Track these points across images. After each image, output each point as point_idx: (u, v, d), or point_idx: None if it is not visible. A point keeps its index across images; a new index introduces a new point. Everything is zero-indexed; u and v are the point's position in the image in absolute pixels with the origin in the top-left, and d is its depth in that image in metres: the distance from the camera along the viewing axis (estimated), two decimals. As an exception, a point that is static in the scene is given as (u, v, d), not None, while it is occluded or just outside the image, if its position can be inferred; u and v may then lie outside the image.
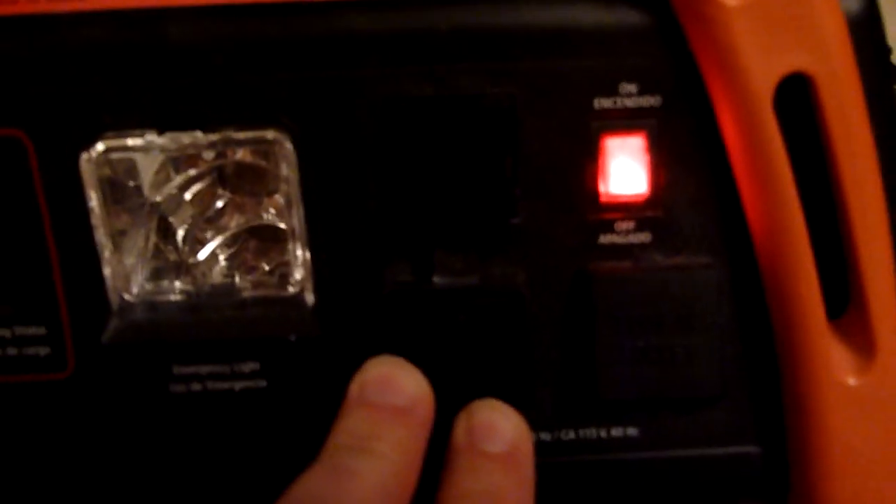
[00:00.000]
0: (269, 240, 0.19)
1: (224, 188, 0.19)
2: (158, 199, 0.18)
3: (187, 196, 0.18)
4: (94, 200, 0.16)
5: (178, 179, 0.18)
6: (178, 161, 0.18)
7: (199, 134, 0.16)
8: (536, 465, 0.16)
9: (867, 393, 0.16)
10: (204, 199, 0.19)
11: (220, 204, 0.19)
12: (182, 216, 0.19)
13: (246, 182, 0.19)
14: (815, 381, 0.16)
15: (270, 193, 0.19)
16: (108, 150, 0.16)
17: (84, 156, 0.16)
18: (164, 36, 0.15)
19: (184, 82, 0.16)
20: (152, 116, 0.16)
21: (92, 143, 0.16)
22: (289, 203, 0.17)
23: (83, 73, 0.16)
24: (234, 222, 0.19)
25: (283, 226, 0.18)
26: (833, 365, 0.16)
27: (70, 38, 0.15)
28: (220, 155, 0.18)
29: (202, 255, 0.18)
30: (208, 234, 0.18)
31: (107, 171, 0.16)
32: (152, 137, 0.16)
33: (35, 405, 0.17)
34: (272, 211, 0.19)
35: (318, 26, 0.15)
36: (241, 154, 0.18)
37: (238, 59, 0.15)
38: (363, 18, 0.15)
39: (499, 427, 0.16)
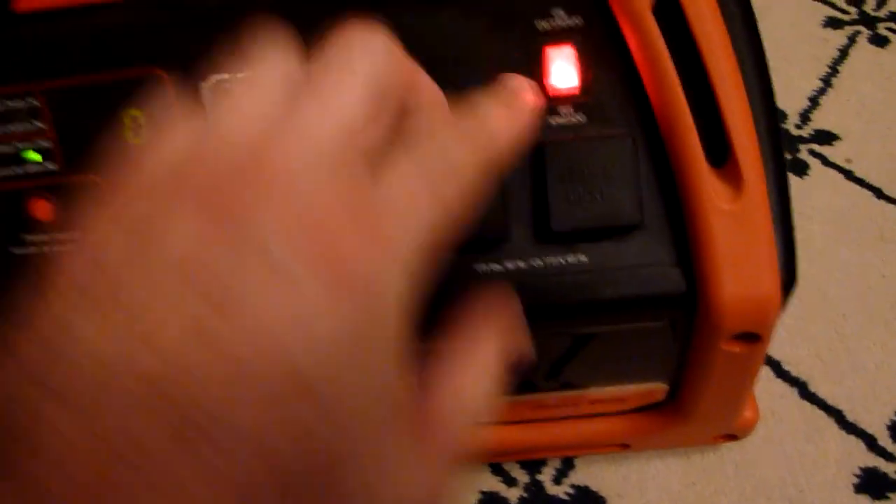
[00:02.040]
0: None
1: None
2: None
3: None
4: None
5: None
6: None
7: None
8: (516, 286, 0.24)
9: (739, 214, 0.23)
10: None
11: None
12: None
13: None
14: (703, 210, 0.23)
15: None
16: (220, 81, 0.24)
17: (203, 85, 0.24)
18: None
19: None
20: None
21: (209, 76, 0.24)
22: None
23: (203, 30, 0.24)
24: None
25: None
26: (715, 196, 0.23)
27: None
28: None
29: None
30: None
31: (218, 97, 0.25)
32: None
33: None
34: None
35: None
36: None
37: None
38: None
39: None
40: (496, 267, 0.25)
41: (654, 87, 0.23)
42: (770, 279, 0.24)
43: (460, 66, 0.23)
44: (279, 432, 0.14)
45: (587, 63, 0.24)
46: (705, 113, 0.23)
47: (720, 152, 0.24)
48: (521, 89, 0.21)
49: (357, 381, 0.15)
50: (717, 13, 0.22)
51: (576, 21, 0.23)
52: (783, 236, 0.25)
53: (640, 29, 0.22)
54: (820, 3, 0.54)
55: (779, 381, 0.38)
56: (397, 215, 0.16)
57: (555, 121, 0.24)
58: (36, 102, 0.25)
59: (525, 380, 0.30)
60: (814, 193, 0.44)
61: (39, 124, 0.25)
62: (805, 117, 0.48)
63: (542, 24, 0.23)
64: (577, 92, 0.24)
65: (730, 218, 0.24)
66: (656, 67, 0.23)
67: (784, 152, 0.25)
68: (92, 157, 0.25)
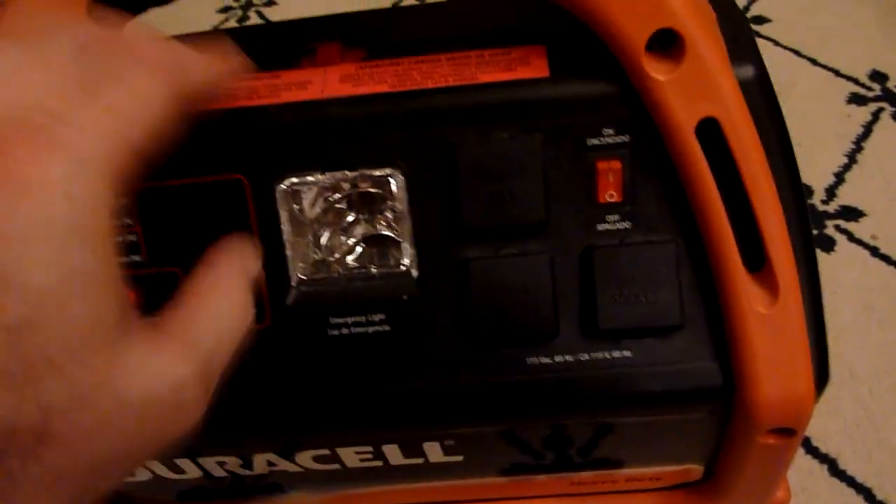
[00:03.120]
0: (382, 242, 0.29)
1: (352, 210, 0.29)
2: (312, 216, 0.28)
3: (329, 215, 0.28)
4: (282, 217, 0.27)
5: (324, 204, 0.28)
6: (326, 191, 0.28)
7: (346, 173, 0.26)
8: (562, 383, 0.26)
9: (774, 317, 0.25)
10: (339, 216, 0.29)
11: (349, 219, 0.29)
12: (325, 228, 0.29)
13: (367, 205, 0.29)
14: (741, 312, 0.25)
15: (382, 212, 0.29)
16: (291, 185, 0.26)
17: (278, 188, 0.26)
18: (327, 113, 0.26)
19: (337, 140, 0.26)
20: (318, 162, 0.26)
21: (283, 180, 0.26)
22: (400, 215, 0.27)
23: (279, 137, 0.26)
24: (358, 232, 0.29)
25: (391, 233, 0.28)
26: (752, 300, 0.25)
27: (274, 116, 0.26)
28: (353, 186, 0.28)
29: (338, 254, 0.28)
30: (342, 240, 0.28)
31: (289, 199, 0.27)
32: (318, 176, 0.26)
33: (247, 346, 0.27)
34: (383, 223, 0.29)
35: (420, 103, 0.25)
36: (366, 186, 0.27)
37: (370, 124, 0.26)
38: (443, 97, 0.25)
39: None
40: (545, 360, 0.27)
41: (695, 198, 0.25)
42: (804, 378, 0.26)
43: (517, 179, 0.25)
44: None
45: (633, 175, 0.26)
46: (743, 222, 0.25)
47: (757, 258, 0.25)
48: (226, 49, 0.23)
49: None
50: (755, 133, 0.24)
51: (623, 138, 0.25)
52: (816, 336, 0.26)
53: (683, 147, 0.24)
54: (843, 80, 0.56)
55: (808, 457, 0.39)
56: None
57: (603, 227, 0.26)
58: (127, 202, 0.27)
59: (562, 458, 0.31)
60: (840, 269, 0.46)
61: (128, 221, 0.27)
62: (831, 193, 0.49)
63: (593, 141, 0.25)
64: (623, 201, 0.26)
65: (766, 321, 0.25)
66: (697, 181, 0.25)
67: (816, 256, 0.27)
68: (174, 252, 0.27)
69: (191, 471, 0.31)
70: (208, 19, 0.71)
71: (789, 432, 0.26)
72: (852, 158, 0.51)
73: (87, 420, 0.17)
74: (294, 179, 0.27)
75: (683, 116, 0.24)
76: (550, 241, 0.26)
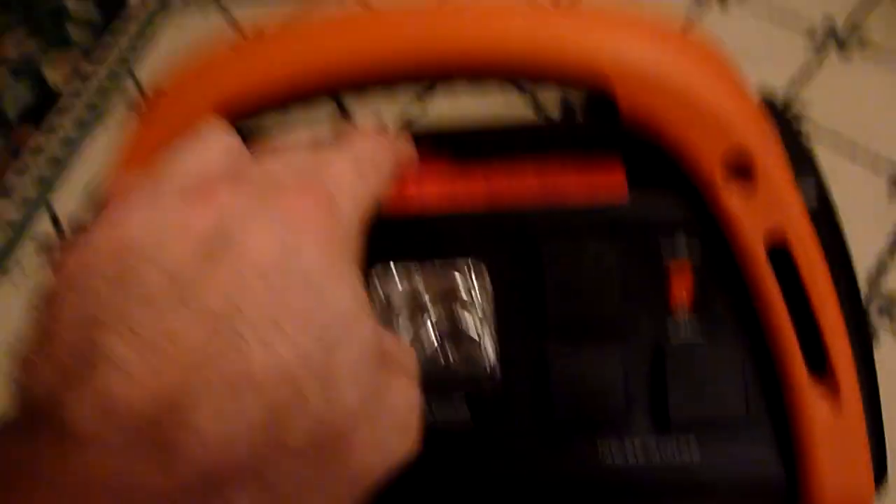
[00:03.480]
0: (465, 336, 0.31)
1: (439, 304, 0.31)
2: (400, 307, 0.30)
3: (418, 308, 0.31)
4: (374, 304, 0.29)
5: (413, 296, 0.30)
6: (416, 283, 0.30)
7: (436, 266, 0.29)
8: (635, 477, 0.27)
9: (836, 420, 0.27)
10: (427, 309, 0.31)
11: (436, 312, 0.31)
12: (413, 319, 0.31)
13: (454, 301, 0.31)
14: (804, 414, 0.27)
15: (468, 308, 0.31)
16: (383, 272, 0.29)
17: (371, 274, 0.29)
18: (423, 215, 0.28)
19: (432, 240, 0.28)
20: (412, 255, 0.29)
21: (376, 267, 0.29)
22: (485, 312, 0.29)
23: (378, 231, 0.29)
24: (443, 325, 0.31)
25: (474, 328, 0.30)
26: (815, 404, 0.27)
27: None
28: (442, 280, 0.30)
29: (422, 346, 0.30)
30: (427, 331, 0.30)
31: (379, 286, 0.29)
32: (410, 268, 0.29)
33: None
34: (467, 319, 0.31)
35: (510, 211, 0.28)
36: (454, 282, 0.30)
37: (463, 228, 0.28)
38: (531, 207, 0.28)
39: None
40: (618, 453, 0.28)
41: (763, 309, 0.27)
42: (865, 477, 0.27)
43: (598, 283, 0.28)
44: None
45: (703, 282, 0.28)
46: (806, 329, 0.27)
47: (819, 363, 0.27)
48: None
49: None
50: (820, 251, 0.27)
51: (695, 249, 0.28)
52: (875, 437, 0.28)
53: (753, 264, 0.27)
54: (886, 162, 0.58)
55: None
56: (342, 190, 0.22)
57: (675, 329, 0.28)
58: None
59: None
60: (889, 360, 0.47)
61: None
62: (874, 282, 0.51)
63: (667, 251, 0.28)
64: (694, 306, 0.28)
65: (828, 423, 0.27)
66: (765, 295, 0.27)
67: (873, 357, 0.29)
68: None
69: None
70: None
71: (850, 532, 0.28)
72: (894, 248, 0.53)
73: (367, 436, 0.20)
74: (386, 267, 0.29)
75: (754, 234, 0.26)
76: (627, 341, 0.28)
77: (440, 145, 0.32)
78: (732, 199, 0.26)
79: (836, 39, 0.68)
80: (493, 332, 0.29)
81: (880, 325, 0.49)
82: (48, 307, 0.18)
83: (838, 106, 0.63)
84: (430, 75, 0.25)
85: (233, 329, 0.17)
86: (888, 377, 0.46)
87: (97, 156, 0.74)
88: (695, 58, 0.26)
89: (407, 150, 0.27)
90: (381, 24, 0.26)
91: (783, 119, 0.31)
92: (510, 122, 0.32)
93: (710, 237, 0.27)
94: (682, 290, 0.28)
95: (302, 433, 0.18)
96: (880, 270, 0.52)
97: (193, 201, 0.20)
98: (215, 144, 0.24)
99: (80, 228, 0.21)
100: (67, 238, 0.26)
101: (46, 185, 0.71)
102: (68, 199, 0.69)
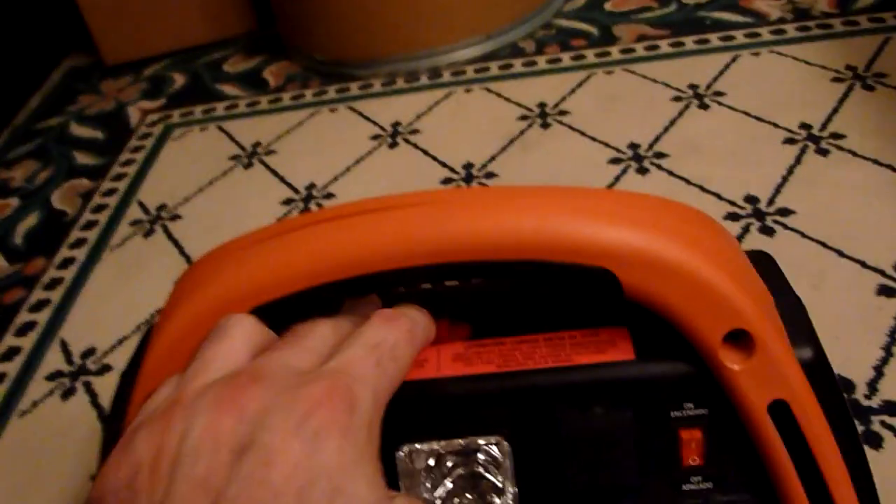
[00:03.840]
0: None
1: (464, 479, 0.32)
2: (427, 484, 0.31)
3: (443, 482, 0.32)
4: (401, 484, 0.30)
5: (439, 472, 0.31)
6: (439, 462, 0.31)
7: (459, 442, 0.30)
8: None
9: (851, 576, 0.28)
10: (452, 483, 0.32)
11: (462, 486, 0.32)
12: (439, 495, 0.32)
13: (478, 473, 0.32)
14: (820, 569, 0.28)
15: (491, 477, 0.32)
16: (411, 451, 0.30)
17: (399, 454, 0.30)
18: (444, 391, 0.30)
19: (453, 414, 0.30)
20: (435, 433, 0.30)
21: (401, 448, 0.30)
22: (506, 480, 0.30)
23: (402, 412, 0.30)
24: (469, 497, 0.32)
25: (497, 497, 0.31)
26: (829, 559, 0.28)
27: (398, 393, 0.30)
28: (465, 455, 0.31)
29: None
30: None
31: (408, 465, 0.30)
32: (434, 445, 0.30)
33: None
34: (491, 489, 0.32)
35: (525, 382, 0.30)
36: (476, 455, 0.31)
37: (482, 400, 0.30)
38: (545, 377, 0.30)
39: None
40: None
41: (770, 464, 0.28)
42: None
43: (612, 447, 0.29)
44: None
45: (712, 441, 0.29)
46: (812, 481, 0.28)
47: (829, 517, 0.29)
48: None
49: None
50: (819, 409, 0.28)
51: (702, 411, 0.29)
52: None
53: (757, 424, 0.28)
54: (871, 271, 0.60)
55: None
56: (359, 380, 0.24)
57: (688, 487, 0.29)
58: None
59: None
60: (891, 467, 0.48)
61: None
62: (872, 387, 0.52)
63: (676, 413, 0.29)
64: (705, 464, 0.29)
65: (842, 576, 0.28)
66: (771, 451, 0.28)
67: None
68: None
69: None
70: (272, 209, 0.77)
71: None
72: (888, 351, 0.54)
73: None
74: (412, 447, 0.30)
75: (756, 399, 0.28)
76: (642, 501, 0.29)
77: (449, 309, 0.33)
78: (733, 367, 0.28)
79: (814, 140, 0.72)
80: (517, 500, 0.30)
81: (884, 432, 0.50)
82: None
83: (823, 210, 0.66)
84: (435, 272, 0.27)
85: None
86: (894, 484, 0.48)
87: (107, 281, 0.76)
88: (691, 234, 0.28)
89: (427, 327, 0.29)
90: (380, 222, 0.28)
91: (774, 270, 0.33)
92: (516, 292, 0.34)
93: (716, 400, 0.29)
94: (692, 450, 0.29)
95: None
96: (878, 374, 0.54)
97: (221, 408, 0.22)
98: (240, 336, 0.25)
99: (118, 439, 0.23)
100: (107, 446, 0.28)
101: (57, 314, 0.72)
102: (80, 328, 0.71)
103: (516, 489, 0.30)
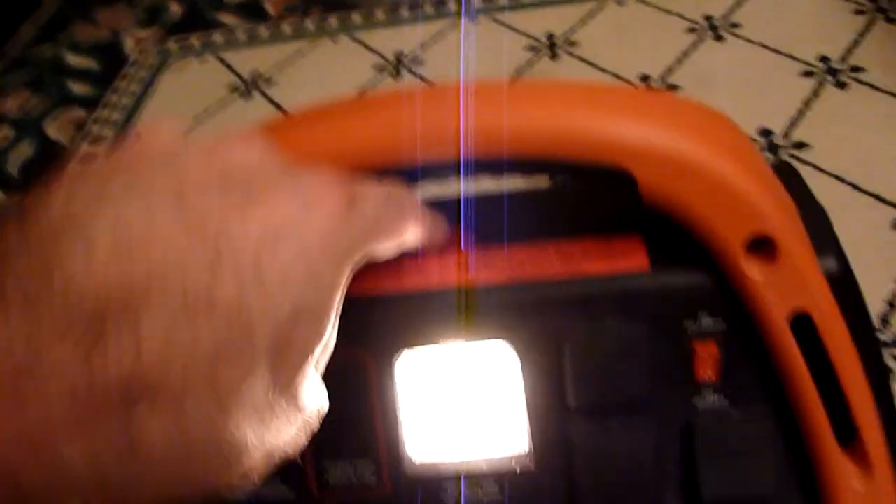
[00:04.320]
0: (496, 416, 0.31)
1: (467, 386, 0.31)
2: (427, 391, 0.30)
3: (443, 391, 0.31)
4: (399, 391, 0.29)
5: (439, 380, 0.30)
6: (441, 367, 0.30)
7: (462, 349, 0.29)
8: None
9: (869, 493, 0.27)
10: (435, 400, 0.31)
11: (464, 394, 0.31)
12: (439, 402, 0.31)
13: (482, 381, 0.31)
14: (834, 485, 0.27)
15: (497, 389, 0.30)
16: (409, 361, 0.29)
17: (397, 365, 0.29)
18: (446, 299, 0.28)
19: (456, 325, 0.28)
20: (441, 335, 0.29)
21: (401, 357, 0.29)
22: (514, 392, 0.29)
23: (402, 321, 0.29)
24: (472, 405, 0.31)
25: (504, 408, 0.30)
26: (845, 474, 0.27)
27: (398, 301, 0.29)
28: (468, 363, 0.30)
29: (452, 427, 0.30)
30: (456, 412, 0.31)
31: (406, 374, 0.29)
32: (435, 351, 0.29)
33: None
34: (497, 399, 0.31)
35: (532, 292, 0.28)
36: (481, 364, 0.30)
37: (486, 310, 0.28)
38: (553, 287, 0.28)
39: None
40: (649, 529, 0.28)
41: (788, 380, 0.27)
42: (897, 547, 0.27)
43: (622, 361, 0.28)
44: None
45: (728, 356, 0.28)
46: (833, 400, 0.27)
47: (848, 433, 0.27)
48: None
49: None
50: (842, 321, 0.27)
51: (719, 324, 0.28)
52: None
53: (777, 337, 0.27)
54: (886, 205, 0.58)
55: None
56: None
57: (702, 404, 0.28)
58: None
59: None
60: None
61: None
62: (885, 321, 0.51)
63: (692, 327, 0.28)
64: (720, 380, 0.28)
65: (858, 493, 0.27)
66: (790, 366, 0.27)
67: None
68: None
69: None
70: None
71: None
72: (902, 285, 0.53)
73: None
74: (412, 356, 0.29)
75: (777, 310, 0.26)
76: (653, 417, 0.28)
77: (456, 214, 0.32)
78: (755, 277, 0.26)
79: (832, 73, 0.69)
80: (525, 412, 0.29)
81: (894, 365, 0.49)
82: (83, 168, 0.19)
83: (839, 144, 0.64)
84: (449, 166, 0.25)
85: (216, 248, 0.17)
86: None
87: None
88: (712, 134, 0.26)
89: (434, 223, 0.28)
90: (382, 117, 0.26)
91: (798, 182, 0.31)
92: (528, 190, 0.32)
93: (734, 312, 0.27)
94: (707, 365, 0.28)
95: (234, 381, 0.18)
96: (892, 307, 0.52)
97: (227, 145, 0.21)
98: (258, 145, 0.23)
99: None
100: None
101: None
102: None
103: (524, 401, 0.29)
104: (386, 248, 0.25)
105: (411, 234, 0.26)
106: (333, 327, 0.22)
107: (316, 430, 0.23)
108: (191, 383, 0.17)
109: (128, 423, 0.16)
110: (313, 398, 0.22)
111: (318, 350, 0.21)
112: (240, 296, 0.17)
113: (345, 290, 0.22)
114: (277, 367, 0.19)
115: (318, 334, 0.21)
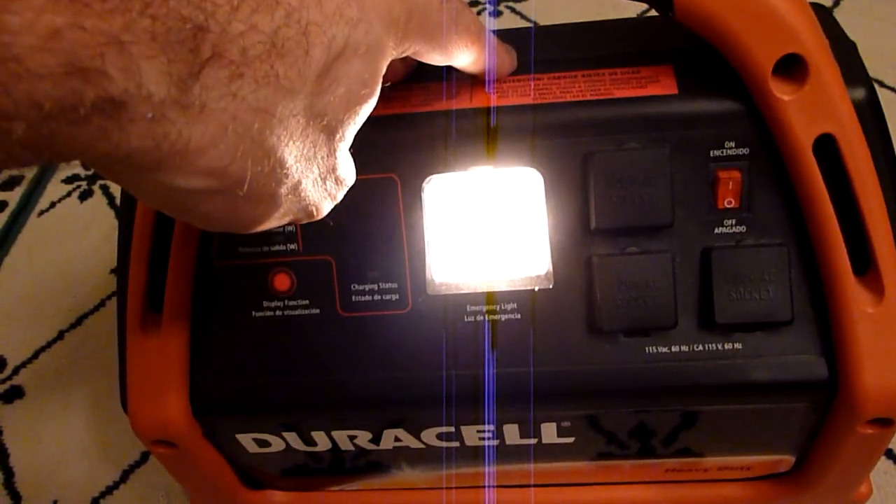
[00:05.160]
0: (517, 237, 0.32)
1: (492, 208, 0.31)
2: (454, 213, 0.31)
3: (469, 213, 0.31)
4: (426, 212, 0.30)
5: (465, 201, 0.31)
6: (468, 190, 0.31)
7: (488, 173, 0.29)
8: (679, 374, 0.28)
9: (880, 317, 0.27)
10: (460, 223, 0.32)
11: (488, 216, 0.32)
12: (464, 223, 0.31)
13: (506, 204, 0.31)
14: (848, 311, 0.28)
15: (520, 211, 0.31)
16: (437, 184, 0.30)
17: (425, 187, 0.30)
18: (475, 121, 0.29)
19: (483, 146, 0.29)
20: (464, 164, 0.29)
21: (429, 179, 0.30)
22: (536, 214, 0.30)
23: (431, 141, 0.29)
24: (496, 227, 0.31)
25: (526, 230, 0.30)
26: (859, 301, 0.28)
27: (427, 123, 0.29)
28: (494, 187, 0.30)
29: (475, 248, 0.31)
30: (479, 234, 0.31)
31: (433, 196, 0.30)
32: (463, 176, 0.29)
33: (390, 328, 0.30)
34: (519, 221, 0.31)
35: (560, 114, 0.28)
36: (505, 187, 0.30)
37: (514, 132, 0.29)
38: (581, 110, 0.28)
39: None
40: (663, 349, 0.29)
41: (808, 207, 0.28)
42: (904, 372, 0.28)
43: (645, 185, 0.28)
44: None
45: (750, 183, 0.28)
46: (851, 228, 0.28)
47: (863, 262, 0.28)
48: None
49: None
50: (867, 149, 0.27)
51: (743, 151, 0.28)
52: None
53: (800, 161, 0.27)
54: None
55: (884, 458, 0.41)
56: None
57: (721, 230, 0.29)
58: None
59: (666, 443, 0.34)
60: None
61: (287, 213, 0.31)
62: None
63: (715, 152, 0.28)
64: (740, 207, 0.29)
65: (872, 319, 0.28)
66: (811, 192, 0.27)
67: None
68: (327, 241, 0.31)
69: (322, 443, 0.34)
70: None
71: (887, 422, 0.29)
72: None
73: None
74: (440, 178, 0.30)
75: (803, 133, 0.27)
76: (672, 242, 0.29)
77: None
78: (783, 97, 0.26)
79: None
80: (546, 234, 0.29)
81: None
82: None
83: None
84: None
85: None
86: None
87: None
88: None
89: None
90: None
91: (829, 18, 0.31)
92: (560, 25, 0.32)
93: (759, 139, 0.28)
94: (728, 192, 0.28)
95: (283, 78, 0.18)
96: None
97: None
98: None
99: None
100: None
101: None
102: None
103: (547, 223, 0.29)
104: (432, 54, 0.25)
105: (464, 55, 0.27)
106: (374, 99, 0.22)
107: (338, 201, 0.24)
108: (249, 60, 0.17)
109: (193, 75, 0.16)
110: (346, 167, 0.24)
111: (359, 115, 0.22)
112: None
113: (385, 69, 0.22)
114: (318, 96, 0.19)
115: (362, 87, 0.21)
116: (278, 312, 0.31)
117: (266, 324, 0.31)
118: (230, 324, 0.31)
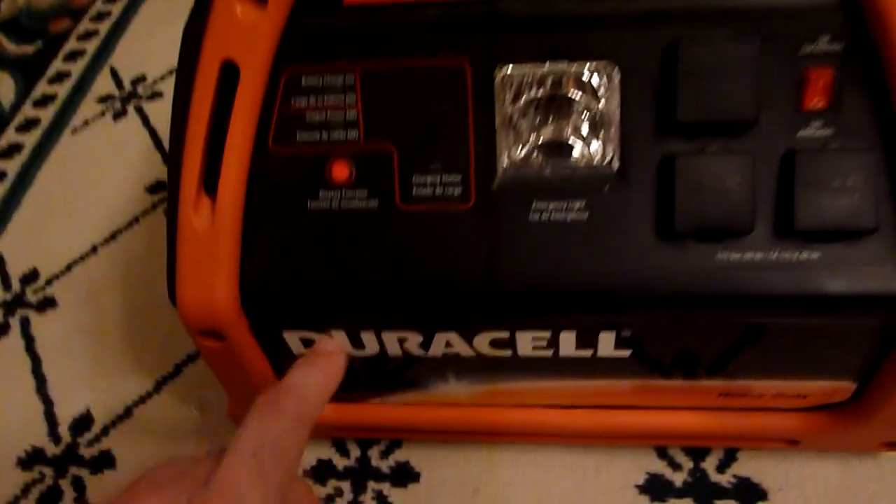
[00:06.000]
0: (590, 132, 0.30)
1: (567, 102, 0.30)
2: (526, 106, 0.29)
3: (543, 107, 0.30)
4: (497, 104, 0.29)
5: (540, 94, 0.29)
6: (544, 82, 0.29)
7: (566, 64, 0.28)
8: (754, 282, 0.27)
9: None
10: (532, 115, 0.31)
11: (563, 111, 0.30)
12: (537, 118, 0.30)
13: (558, 109, 0.30)
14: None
15: (594, 105, 0.30)
16: (510, 74, 0.28)
17: (498, 76, 0.28)
18: (554, 8, 0.27)
19: (562, 35, 0.28)
20: (541, 54, 0.28)
21: (503, 68, 0.28)
22: (611, 108, 0.28)
23: (506, 27, 0.28)
24: (570, 123, 0.30)
25: (598, 125, 0.29)
26: (949, 211, 0.26)
27: (503, 7, 0.28)
28: (572, 78, 0.29)
29: (545, 143, 0.30)
30: (551, 130, 0.30)
31: (506, 87, 0.29)
32: (539, 67, 0.28)
33: (451, 224, 0.29)
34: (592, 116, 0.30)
35: (646, 3, 0.27)
36: (582, 78, 0.29)
37: (595, 21, 0.27)
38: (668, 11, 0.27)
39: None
40: (736, 256, 0.28)
41: (904, 108, 0.26)
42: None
43: (731, 79, 0.27)
44: None
45: (841, 83, 0.27)
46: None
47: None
48: (324, 348, 0.32)
49: None
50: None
51: (837, 46, 0.27)
52: None
53: (899, 58, 0.26)
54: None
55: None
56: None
57: (806, 132, 0.27)
58: (351, 80, 0.29)
59: (725, 359, 0.33)
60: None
61: (349, 99, 0.29)
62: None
63: (808, 48, 0.27)
64: (828, 108, 0.27)
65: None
66: (910, 92, 0.26)
67: None
68: (389, 127, 0.29)
69: (370, 346, 0.33)
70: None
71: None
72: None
73: None
74: (514, 68, 0.28)
75: (905, 25, 0.25)
76: (754, 142, 0.28)
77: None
78: (889, -15, 0.25)
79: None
80: (618, 130, 0.28)
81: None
82: None
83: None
84: None
85: None
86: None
87: (155, 17, 0.73)
88: None
89: (327, 383, 0.30)
90: None
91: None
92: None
93: (855, 34, 0.26)
94: (817, 91, 0.27)
95: None
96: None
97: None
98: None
99: None
100: None
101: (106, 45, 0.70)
102: (129, 58, 0.69)
103: (620, 119, 0.28)
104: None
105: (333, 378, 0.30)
106: None
107: None
108: None
109: None
110: None
111: None
112: None
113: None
114: None
115: None
116: (334, 203, 0.30)
117: (321, 215, 0.30)
118: (283, 213, 0.30)
